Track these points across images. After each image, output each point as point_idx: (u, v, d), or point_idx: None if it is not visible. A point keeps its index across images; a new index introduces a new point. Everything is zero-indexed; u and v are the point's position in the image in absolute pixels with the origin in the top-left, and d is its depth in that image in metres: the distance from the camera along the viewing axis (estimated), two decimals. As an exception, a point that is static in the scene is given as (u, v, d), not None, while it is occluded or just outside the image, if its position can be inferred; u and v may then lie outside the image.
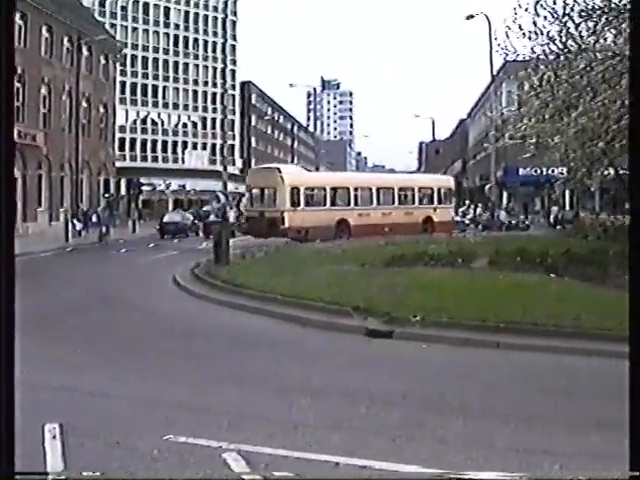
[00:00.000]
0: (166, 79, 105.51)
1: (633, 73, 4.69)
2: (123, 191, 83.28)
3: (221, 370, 11.93)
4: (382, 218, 42.85)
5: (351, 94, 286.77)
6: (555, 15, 23.33)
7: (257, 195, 44.42)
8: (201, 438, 7.98)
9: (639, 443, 4.53)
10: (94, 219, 52.39)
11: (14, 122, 5.28)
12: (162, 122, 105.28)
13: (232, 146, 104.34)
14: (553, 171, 43.41)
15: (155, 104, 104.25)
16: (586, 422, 9.01)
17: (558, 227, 50.22)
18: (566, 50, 24.83)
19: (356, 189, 44.39)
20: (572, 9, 23.13)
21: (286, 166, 55.82)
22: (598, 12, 23.01)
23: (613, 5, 22.56)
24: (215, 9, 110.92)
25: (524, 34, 23.99)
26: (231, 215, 50.97)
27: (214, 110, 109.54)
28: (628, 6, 22.32)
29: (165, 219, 56.49)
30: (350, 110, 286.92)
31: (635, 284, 4.56)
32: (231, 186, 67.75)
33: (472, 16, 52.82)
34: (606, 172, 32.05)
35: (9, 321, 4.79)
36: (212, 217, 52.40)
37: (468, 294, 17.04)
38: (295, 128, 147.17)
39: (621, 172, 32.43)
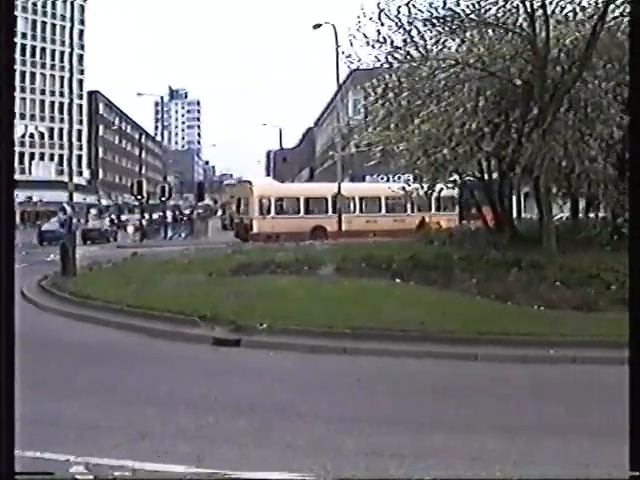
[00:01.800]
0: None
1: (633, 72, 4.75)
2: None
3: (68, 382, 11.57)
4: (365, 225, 47.03)
5: (199, 103, 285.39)
6: (399, 24, 23.67)
7: (242, 204, 50.40)
8: (48, 452, 7.75)
9: (639, 443, 4.60)
10: None
11: (14, 122, 5.12)
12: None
13: (79, 156, 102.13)
14: (399, 178, 44.16)
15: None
16: (431, 423, 9.18)
17: None
18: (410, 58, 25.28)
19: (333, 197, 48.36)
20: (416, 18, 23.52)
21: (258, 179, 62.49)
22: (442, 21, 23.49)
23: (457, 14, 23.06)
24: (63, 18, 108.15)
25: (368, 42, 24.22)
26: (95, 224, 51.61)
27: (61, 120, 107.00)
28: (472, 15, 22.97)
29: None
30: (198, 119, 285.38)
31: (635, 284, 4.62)
32: (78, 197, 66.11)
33: (319, 25, 53.19)
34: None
35: (9, 321, 4.84)
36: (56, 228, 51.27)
37: (315, 301, 17.15)
38: (143, 138, 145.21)
39: (466, 178, 33.31)
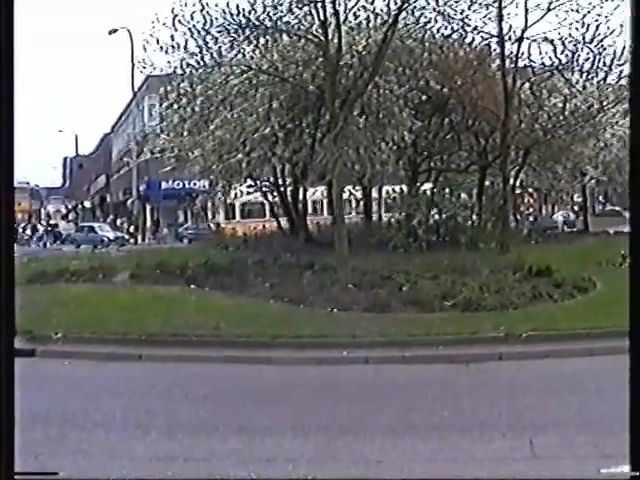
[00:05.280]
0: None
1: (634, 74, 4.74)
2: None
3: None
4: None
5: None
6: (193, 30, 23.60)
7: None
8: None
9: (639, 443, 4.61)
10: None
11: (14, 123, 4.86)
12: None
13: None
14: (195, 184, 44.08)
15: None
16: (226, 427, 9.19)
17: (185, 241, 50.67)
18: (203, 64, 25.26)
19: None
20: (211, 24, 23.50)
21: None
22: (236, 27, 23.57)
23: (251, 21, 23.20)
24: None
25: (162, 48, 24.01)
26: None
27: None
28: (266, 22, 23.19)
29: None
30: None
31: (635, 284, 4.62)
32: None
33: (115, 30, 52.41)
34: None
35: (9, 321, 4.86)
36: None
37: (110, 308, 16.88)
38: None
39: (262, 183, 33.61)
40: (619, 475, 6.99)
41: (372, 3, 24.36)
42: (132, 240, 53.24)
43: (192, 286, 19.95)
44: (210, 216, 55.25)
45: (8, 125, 4.73)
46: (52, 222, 69.69)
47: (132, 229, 58.38)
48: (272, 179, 33.05)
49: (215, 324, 14.73)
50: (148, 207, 65.77)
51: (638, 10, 4.67)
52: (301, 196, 33.68)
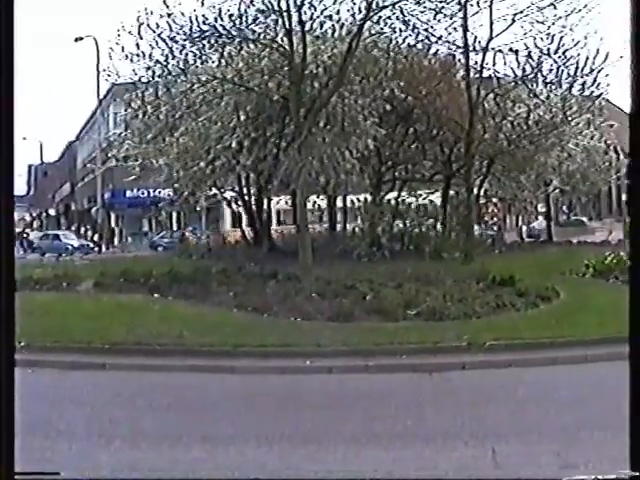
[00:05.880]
0: None
1: (634, 76, 4.73)
2: None
3: None
4: None
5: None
6: (158, 38, 23.57)
7: None
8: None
9: (639, 443, 4.61)
10: None
11: (13, 124, 4.87)
12: None
13: None
14: (160, 192, 43.88)
15: None
16: (188, 436, 9.16)
17: (160, 249, 50.45)
18: (168, 72, 25.22)
19: None
20: (178, 33, 23.48)
21: None
22: (202, 36, 23.56)
23: (217, 30, 23.18)
24: None
25: (127, 56, 23.94)
26: None
27: None
28: (232, 31, 23.19)
29: None
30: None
31: (635, 283, 4.61)
32: None
33: (81, 38, 52.12)
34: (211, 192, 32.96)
35: (9, 321, 4.94)
36: None
37: (74, 317, 16.80)
38: None
39: (222, 191, 33.52)
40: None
41: (337, 13, 24.47)
42: (96, 248, 52.87)
43: (156, 295, 19.87)
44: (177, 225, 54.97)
45: (8, 126, 4.72)
46: (27, 231, 68.82)
47: (96, 237, 57.99)
48: (237, 188, 32.98)
49: (179, 333, 14.68)
50: (113, 215, 65.49)
51: (638, 10, 4.69)
52: (265, 205, 33.67)
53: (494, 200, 43.90)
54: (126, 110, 30.10)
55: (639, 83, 4.80)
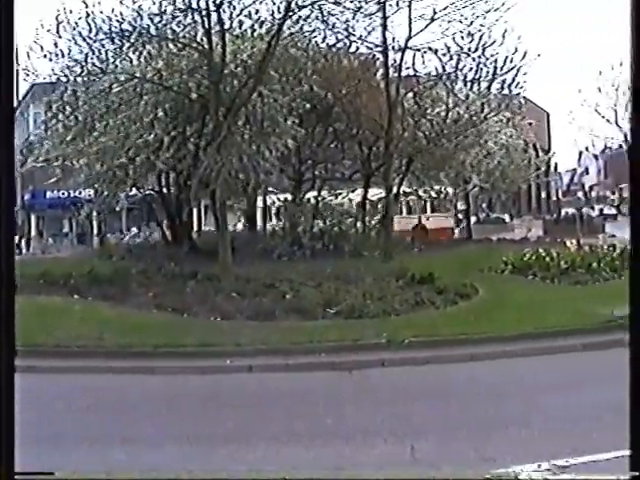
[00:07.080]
0: None
1: (633, 67, 4.71)
2: None
3: None
4: None
5: None
6: (77, 37, 23.27)
7: None
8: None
9: (639, 443, 4.61)
10: None
11: (13, 125, 4.79)
12: None
13: None
14: (81, 193, 43.21)
15: None
16: (110, 436, 9.13)
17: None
18: (87, 72, 24.89)
19: None
20: (97, 32, 23.20)
21: None
22: (121, 35, 23.34)
23: (137, 29, 23.00)
24: None
25: (45, 55, 23.54)
26: None
27: None
28: (152, 29, 23.02)
29: None
30: None
31: (635, 283, 4.62)
32: None
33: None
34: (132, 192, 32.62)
35: (9, 321, 4.71)
36: None
37: (-11, 320, 16.41)
38: None
39: (142, 191, 33.18)
40: (505, 475, 7.23)
41: (257, 12, 24.39)
42: (16, 250, 51.94)
43: (75, 296, 19.55)
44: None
45: (8, 127, 4.65)
46: None
47: (16, 239, 56.93)
48: (157, 188, 32.69)
49: (98, 334, 14.58)
50: (33, 217, 64.42)
51: (638, 10, 4.76)
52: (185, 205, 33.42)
53: (413, 198, 44.15)
54: (46, 111, 29.56)
55: (639, 83, 4.89)
